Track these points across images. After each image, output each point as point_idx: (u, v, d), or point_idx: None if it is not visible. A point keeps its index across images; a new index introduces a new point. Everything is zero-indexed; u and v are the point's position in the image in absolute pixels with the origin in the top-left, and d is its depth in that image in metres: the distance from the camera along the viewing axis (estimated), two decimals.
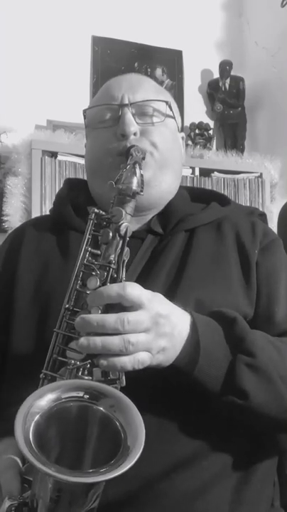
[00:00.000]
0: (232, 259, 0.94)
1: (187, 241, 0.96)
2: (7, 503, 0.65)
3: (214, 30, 3.12)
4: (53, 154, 2.40)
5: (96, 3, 2.85)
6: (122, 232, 0.78)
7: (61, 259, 0.95)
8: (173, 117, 1.02)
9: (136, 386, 0.68)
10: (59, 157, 2.40)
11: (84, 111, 1.04)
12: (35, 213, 2.27)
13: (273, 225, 1.41)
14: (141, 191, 0.83)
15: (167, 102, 1.00)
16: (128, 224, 0.79)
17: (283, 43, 2.86)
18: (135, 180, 0.82)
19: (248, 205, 2.56)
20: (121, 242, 0.78)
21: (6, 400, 0.86)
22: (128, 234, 0.79)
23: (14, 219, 2.29)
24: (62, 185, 1.13)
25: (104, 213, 0.82)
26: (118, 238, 0.78)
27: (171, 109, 1.01)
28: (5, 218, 2.31)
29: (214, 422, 0.80)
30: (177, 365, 0.75)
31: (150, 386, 0.73)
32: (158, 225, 0.97)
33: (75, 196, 1.05)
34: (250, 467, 0.83)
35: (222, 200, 1.05)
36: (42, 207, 2.29)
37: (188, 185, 2.53)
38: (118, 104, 0.97)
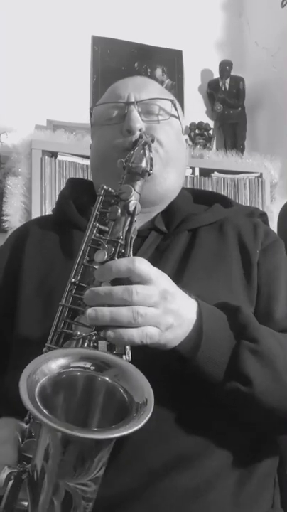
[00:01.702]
0: (234, 258, 0.95)
1: (189, 240, 0.96)
2: (6, 471, 0.64)
3: (214, 30, 3.12)
4: (53, 154, 2.40)
5: (96, 3, 2.85)
6: (131, 209, 0.78)
7: (65, 257, 0.95)
8: (178, 117, 1.04)
9: None
10: (59, 157, 2.40)
11: (91, 109, 1.06)
12: (35, 213, 2.27)
13: (273, 225, 1.41)
14: (151, 170, 0.83)
15: (172, 101, 1.02)
16: (137, 202, 0.79)
17: (283, 43, 2.86)
18: (144, 160, 0.83)
19: (248, 205, 2.56)
20: (129, 218, 0.78)
21: (9, 381, 0.86)
22: (137, 211, 0.79)
23: (14, 219, 2.29)
24: (64, 185, 1.13)
25: (113, 191, 0.82)
26: (126, 215, 0.78)
27: (176, 109, 1.03)
28: (5, 218, 2.30)
29: (216, 418, 0.79)
30: (181, 350, 0.75)
31: (153, 380, 0.72)
32: (162, 223, 0.98)
33: (78, 196, 1.05)
34: (251, 466, 0.83)
35: (224, 201, 1.07)
36: (42, 207, 2.29)
37: (188, 185, 2.53)
38: (125, 102, 0.99)
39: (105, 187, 0.83)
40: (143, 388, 0.63)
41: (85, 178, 2.27)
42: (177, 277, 0.88)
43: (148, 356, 0.71)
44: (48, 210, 2.26)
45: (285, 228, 1.44)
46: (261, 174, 2.72)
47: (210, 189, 2.58)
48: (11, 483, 0.63)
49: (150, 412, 0.59)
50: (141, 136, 0.89)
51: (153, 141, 0.90)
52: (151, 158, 0.85)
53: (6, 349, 0.92)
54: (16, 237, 1.04)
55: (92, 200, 1.03)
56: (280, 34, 2.87)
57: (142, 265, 0.71)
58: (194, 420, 0.79)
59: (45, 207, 2.29)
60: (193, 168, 2.64)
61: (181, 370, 0.77)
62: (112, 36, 2.91)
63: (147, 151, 0.85)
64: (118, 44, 2.92)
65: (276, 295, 0.92)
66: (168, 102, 1.01)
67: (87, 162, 2.40)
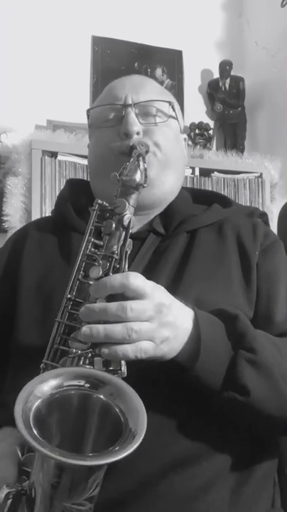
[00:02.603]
0: (233, 260, 0.94)
1: (188, 242, 0.96)
2: (5, 491, 0.64)
3: (214, 30, 3.12)
4: (53, 154, 2.40)
5: (96, 3, 2.85)
6: (125, 223, 0.78)
7: (63, 260, 0.95)
8: (176, 118, 1.03)
9: (135, 385, 0.67)
10: (59, 157, 2.40)
11: (88, 110, 1.05)
12: (35, 213, 2.27)
13: (273, 225, 1.41)
14: (145, 183, 0.83)
15: (170, 103, 1.01)
16: (131, 215, 0.79)
17: (283, 43, 2.86)
18: (138, 173, 0.82)
19: (248, 205, 2.56)
20: (124, 233, 0.78)
21: (8, 389, 0.86)
22: (132, 225, 0.79)
23: (14, 219, 2.29)
24: (63, 186, 1.13)
25: (107, 205, 0.82)
26: (121, 229, 0.78)
27: (174, 110, 1.02)
28: (5, 218, 2.30)
29: (215, 422, 0.79)
30: (179, 360, 0.75)
31: (150, 385, 0.72)
32: (160, 225, 0.97)
33: (77, 197, 1.05)
34: (250, 468, 0.83)
35: (224, 201, 1.06)
36: (42, 207, 2.29)
37: (188, 185, 2.53)
38: (122, 104, 0.97)
39: (99, 201, 0.83)
40: (137, 412, 0.63)
41: (85, 178, 2.28)
42: (176, 280, 0.88)
43: (145, 364, 0.71)
44: (48, 211, 2.26)
45: (285, 228, 1.44)
46: (261, 174, 2.72)
47: (210, 189, 2.58)
48: (9, 502, 0.64)
49: (142, 437, 0.60)
50: (135, 148, 0.88)
51: (147, 152, 0.90)
52: (145, 169, 0.84)
53: (6, 354, 0.92)
54: (15, 240, 1.04)
55: (91, 201, 1.03)
56: (280, 34, 2.87)
57: (136, 280, 0.71)
58: (193, 424, 0.79)
59: (45, 207, 2.29)
60: (193, 168, 2.64)
61: (179, 379, 0.76)
62: (112, 36, 2.91)
63: (141, 163, 0.84)
64: (118, 44, 2.92)
65: (276, 297, 0.92)
66: (165, 103, 1.00)
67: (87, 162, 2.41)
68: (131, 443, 0.59)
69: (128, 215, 0.79)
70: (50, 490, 0.61)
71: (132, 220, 0.79)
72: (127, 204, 0.79)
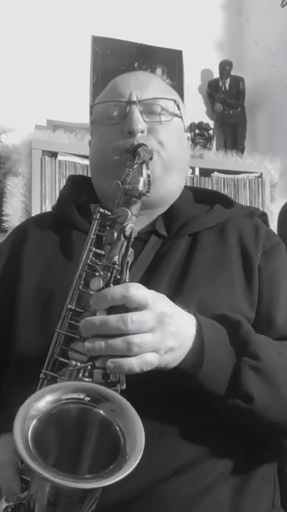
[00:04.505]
0: (235, 262, 0.94)
1: (190, 244, 0.95)
2: (4, 504, 0.65)
3: (214, 30, 3.11)
4: (53, 154, 2.40)
5: (96, 3, 2.85)
6: (127, 233, 0.77)
7: (63, 258, 0.94)
8: (181, 117, 1.02)
9: (136, 391, 0.67)
10: (59, 157, 2.40)
11: (91, 106, 1.03)
12: (35, 213, 2.26)
13: (273, 225, 1.41)
14: (148, 192, 0.81)
15: (175, 101, 1.00)
16: (134, 225, 0.78)
17: (283, 43, 2.86)
18: (141, 181, 0.81)
19: (248, 205, 2.56)
20: (125, 243, 0.77)
21: (7, 395, 0.86)
22: (133, 235, 0.78)
23: (14, 219, 2.29)
24: (65, 183, 1.12)
25: (109, 213, 0.81)
26: (123, 239, 0.77)
27: (179, 109, 1.01)
28: (5, 218, 2.30)
29: (216, 427, 0.79)
30: (182, 367, 0.74)
31: (151, 391, 0.72)
32: (163, 227, 0.97)
33: (78, 194, 1.04)
34: (251, 469, 0.83)
35: (226, 202, 1.05)
36: (42, 207, 2.29)
37: (188, 185, 2.53)
38: (126, 101, 0.96)
39: (101, 210, 0.82)
40: (135, 434, 0.62)
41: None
42: (179, 284, 0.88)
43: (146, 372, 0.70)
44: (50, 208, 2.25)
45: (285, 229, 1.44)
46: (261, 174, 2.72)
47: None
48: None
49: (138, 460, 0.60)
50: (138, 154, 0.86)
51: (151, 158, 0.88)
52: (149, 177, 0.83)
53: (4, 353, 0.91)
54: (14, 238, 1.03)
55: (92, 198, 1.02)
56: (280, 34, 2.87)
57: (138, 291, 0.70)
58: (193, 430, 0.79)
59: (45, 207, 2.29)
60: (193, 168, 2.63)
61: (182, 386, 0.76)
62: (112, 36, 2.91)
63: (144, 170, 0.82)
64: (118, 44, 2.92)
65: (277, 301, 0.91)
66: (170, 101, 0.99)
67: (87, 162, 2.39)
68: (124, 467, 0.59)
69: (130, 225, 0.77)
70: (48, 507, 0.61)
71: (134, 230, 0.78)
72: (129, 214, 0.78)
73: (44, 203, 2.30)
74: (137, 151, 0.88)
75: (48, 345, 0.76)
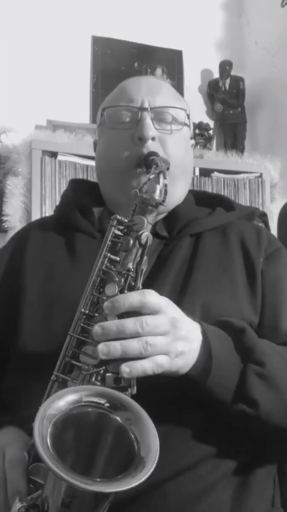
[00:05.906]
0: (237, 265, 0.94)
1: (192, 246, 0.95)
2: (18, 505, 0.65)
3: (214, 30, 3.12)
4: (53, 154, 2.40)
5: (96, 3, 2.85)
6: (143, 241, 0.78)
7: (67, 260, 0.95)
8: (189, 126, 1.02)
9: (147, 397, 0.68)
10: (59, 157, 2.40)
11: (103, 109, 1.02)
12: (35, 213, 2.27)
13: (273, 225, 1.41)
14: (164, 201, 0.82)
15: (186, 111, 1.00)
16: (149, 233, 0.79)
17: (283, 43, 2.87)
18: (158, 191, 0.82)
19: (248, 205, 2.56)
20: (140, 250, 0.78)
21: (9, 391, 0.86)
22: (149, 243, 0.79)
23: (14, 219, 2.29)
24: (66, 186, 1.12)
25: (126, 220, 0.81)
26: (138, 246, 0.78)
27: (189, 118, 1.01)
28: (5, 218, 2.30)
29: (221, 429, 0.80)
30: (192, 374, 0.76)
31: (161, 397, 0.73)
32: (164, 229, 0.97)
33: (80, 197, 1.05)
34: (252, 469, 0.84)
35: (227, 205, 1.05)
36: (42, 207, 2.29)
37: None
38: (138, 108, 0.96)
39: (118, 217, 0.82)
40: (149, 442, 0.63)
41: (85, 178, 2.28)
42: (182, 287, 0.88)
43: (154, 377, 0.71)
44: (48, 210, 2.26)
45: (286, 229, 1.44)
46: (261, 174, 2.72)
47: (210, 189, 2.58)
48: None
49: (153, 468, 0.61)
50: (156, 163, 0.86)
51: (168, 168, 0.88)
52: (166, 186, 0.83)
53: (6, 353, 0.92)
54: (16, 241, 1.03)
55: (94, 201, 1.02)
56: (280, 34, 2.87)
57: (153, 298, 0.72)
58: (200, 433, 0.80)
59: (45, 207, 2.29)
60: (193, 168, 2.63)
61: (190, 392, 0.77)
62: (112, 36, 2.91)
63: (161, 180, 0.83)
64: (118, 44, 2.92)
65: (281, 306, 0.92)
66: (182, 111, 0.99)
67: (87, 162, 2.40)
68: (140, 473, 0.60)
69: (146, 233, 0.78)
70: (62, 508, 0.62)
71: (149, 238, 0.79)
72: (146, 222, 0.79)
73: (44, 203, 2.30)
74: (154, 160, 0.88)
75: (52, 348, 0.77)
